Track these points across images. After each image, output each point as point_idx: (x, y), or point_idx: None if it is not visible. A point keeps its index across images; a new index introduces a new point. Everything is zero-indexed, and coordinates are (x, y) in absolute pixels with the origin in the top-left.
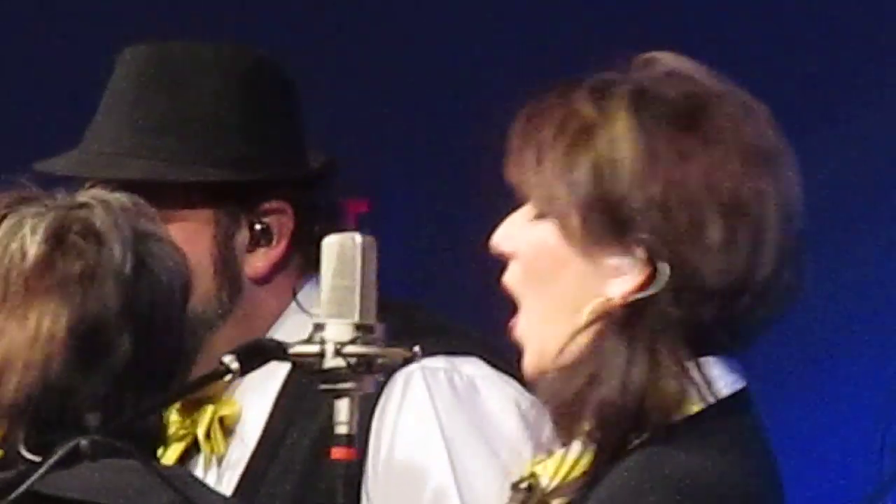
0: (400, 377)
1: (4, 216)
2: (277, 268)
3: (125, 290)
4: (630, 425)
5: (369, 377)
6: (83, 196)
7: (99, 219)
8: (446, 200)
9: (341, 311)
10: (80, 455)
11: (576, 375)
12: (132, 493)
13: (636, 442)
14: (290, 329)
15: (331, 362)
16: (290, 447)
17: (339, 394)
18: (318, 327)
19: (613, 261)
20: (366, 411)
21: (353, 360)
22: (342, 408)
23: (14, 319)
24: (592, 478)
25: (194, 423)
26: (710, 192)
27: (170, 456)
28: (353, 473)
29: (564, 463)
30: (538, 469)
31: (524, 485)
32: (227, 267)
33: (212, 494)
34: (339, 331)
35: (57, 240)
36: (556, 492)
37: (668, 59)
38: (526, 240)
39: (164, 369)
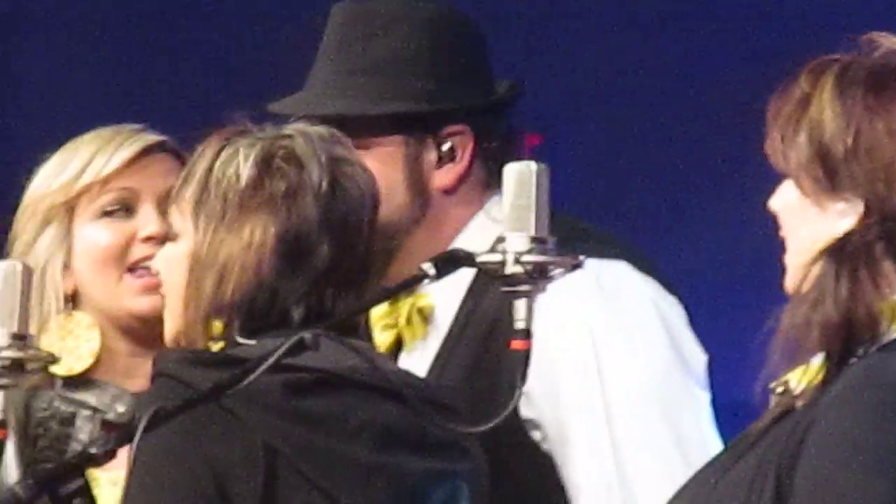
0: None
1: (223, 147)
2: (462, 181)
3: (322, 205)
4: (849, 340)
5: (543, 281)
6: (287, 129)
7: (299, 146)
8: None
9: (520, 225)
10: (304, 346)
11: (804, 302)
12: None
13: (860, 352)
14: (475, 235)
15: (511, 269)
16: (471, 336)
17: (518, 295)
18: (500, 239)
19: (837, 206)
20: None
21: (529, 267)
22: (520, 307)
23: (231, 231)
24: (824, 383)
25: (397, 313)
26: (892, 139)
27: (380, 344)
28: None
29: (808, 372)
30: (790, 377)
31: (780, 389)
32: (416, 182)
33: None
34: (517, 242)
35: (265, 164)
36: (801, 395)
37: (883, 39)
38: (782, 200)
39: (358, 270)
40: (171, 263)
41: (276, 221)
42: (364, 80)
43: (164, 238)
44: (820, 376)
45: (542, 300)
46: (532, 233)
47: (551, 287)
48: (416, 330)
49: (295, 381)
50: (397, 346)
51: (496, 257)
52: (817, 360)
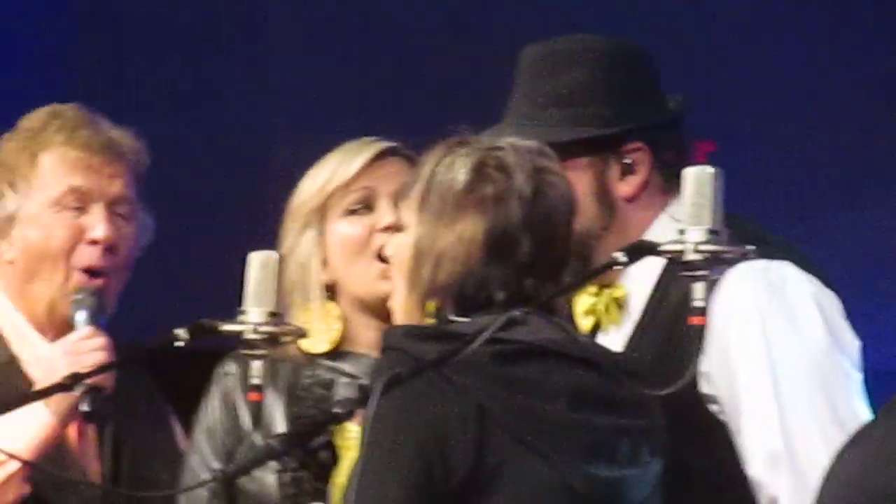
0: (734, 269)
1: (445, 154)
2: (642, 189)
3: (525, 208)
4: None
5: (717, 267)
6: (500, 141)
7: (509, 157)
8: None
9: (698, 220)
10: (514, 322)
11: None
12: (564, 339)
13: None
14: (659, 234)
15: (690, 256)
16: (658, 323)
17: (696, 278)
18: (681, 232)
19: None
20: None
21: (705, 255)
22: (698, 289)
23: (447, 226)
24: None
25: (597, 302)
26: None
27: (582, 329)
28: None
29: None
30: None
31: None
32: (603, 194)
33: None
34: (696, 234)
35: (478, 171)
36: None
37: None
38: None
39: (557, 263)
40: (400, 250)
41: (484, 220)
42: (554, 111)
43: (399, 228)
44: None
45: (720, 296)
46: (708, 226)
47: (728, 284)
48: (612, 316)
49: (501, 351)
50: (595, 330)
51: (678, 246)
52: None
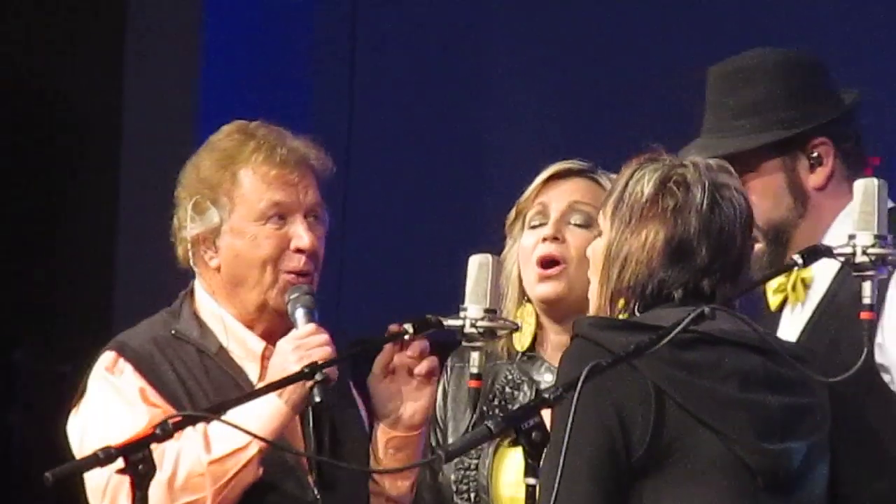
0: None
1: (637, 169)
2: (830, 178)
3: (702, 219)
4: None
5: (884, 267)
6: (686, 159)
7: (690, 173)
8: None
9: (866, 226)
10: (704, 316)
11: None
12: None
13: None
14: (847, 221)
15: (860, 258)
16: (834, 310)
17: (865, 278)
18: (851, 236)
19: None
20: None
21: (873, 258)
22: (867, 287)
23: (633, 234)
24: None
25: (787, 281)
26: None
27: (772, 303)
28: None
29: None
30: None
31: None
32: (796, 187)
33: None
34: (865, 238)
35: (661, 185)
36: None
37: None
38: None
39: (732, 267)
40: (596, 252)
41: (665, 229)
42: (742, 121)
43: (562, 237)
44: None
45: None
46: (875, 231)
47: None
48: (798, 294)
49: (680, 339)
50: (783, 305)
51: (848, 249)
52: None
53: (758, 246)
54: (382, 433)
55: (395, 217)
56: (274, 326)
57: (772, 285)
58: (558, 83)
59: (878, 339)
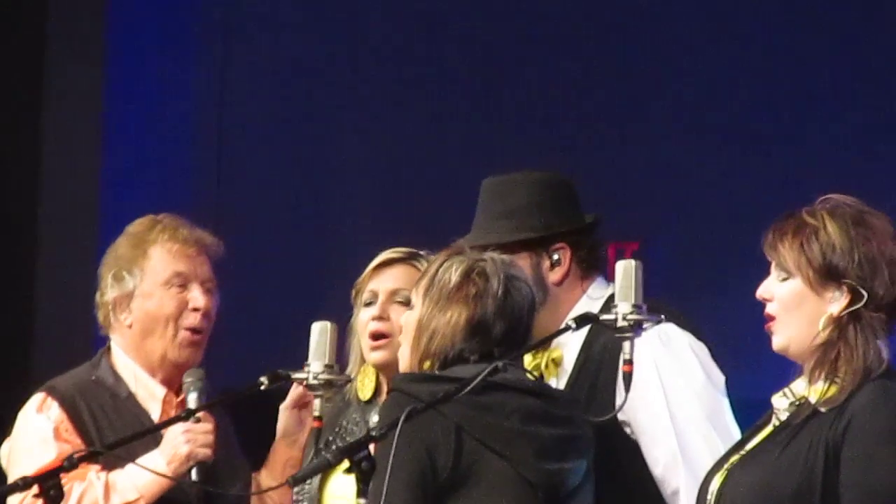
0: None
1: (446, 259)
2: (565, 277)
3: (498, 304)
4: (866, 373)
5: (639, 330)
6: (485, 255)
7: (489, 266)
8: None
9: (625, 297)
10: (498, 370)
11: (829, 350)
12: (530, 382)
13: (867, 383)
14: (581, 310)
15: (621, 323)
16: (585, 375)
17: (625, 338)
18: (614, 305)
19: (830, 294)
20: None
21: (631, 322)
22: (627, 345)
23: (441, 312)
24: (846, 400)
25: (539, 361)
26: (881, 255)
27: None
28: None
29: (820, 390)
30: (804, 392)
31: (797, 401)
32: (539, 281)
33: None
34: (624, 307)
35: (466, 275)
36: (822, 404)
37: (839, 197)
38: (782, 289)
39: (518, 341)
40: (409, 323)
41: (467, 311)
42: (503, 222)
43: (387, 316)
44: (831, 392)
45: (646, 347)
46: (633, 301)
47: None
48: (551, 371)
49: (473, 387)
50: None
51: (612, 316)
52: (820, 384)
53: None
54: (282, 453)
55: (258, 286)
56: (172, 376)
57: (528, 364)
58: (394, 179)
59: (618, 401)
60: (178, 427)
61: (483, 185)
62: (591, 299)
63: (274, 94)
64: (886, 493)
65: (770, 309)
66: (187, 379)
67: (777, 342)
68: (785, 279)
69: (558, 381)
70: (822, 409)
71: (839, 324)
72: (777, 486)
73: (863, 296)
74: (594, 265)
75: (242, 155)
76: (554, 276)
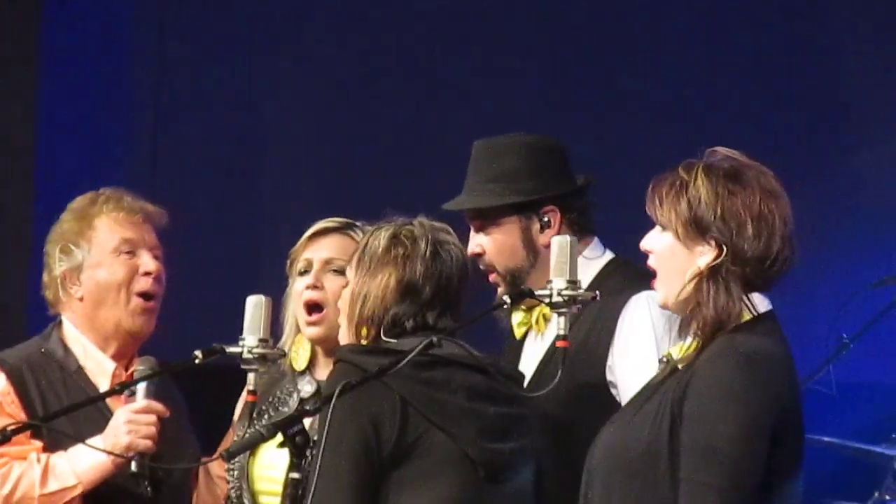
0: (635, 298)
1: (375, 230)
2: None
3: (426, 265)
4: (716, 327)
5: (574, 305)
6: (414, 220)
7: (416, 230)
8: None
9: (560, 273)
10: (433, 344)
11: (690, 304)
12: (464, 354)
13: (720, 335)
14: (579, 272)
15: (556, 298)
16: (578, 328)
17: (560, 314)
18: (549, 281)
19: (699, 248)
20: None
21: (566, 297)
22: (562, 320)
23: (371, 277)
24: (697, 354)
25: (531, 316)
26: (747, 211)
27: (517, 334)
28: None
29: (683, 347)
30: (672, 350)
31: (664, 359)
32: (529, 243)
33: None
34: (559, 283)
35: (394, 238)
36: (681, 361)
37: (724, 151)
38: (658, 242)
39: (452, 303)
40: (344, 299)
41: (396, 272)
42: (492, 185)
43: (321, 285)
44: (692, 349)
45: (627, 313)
46: (567, 277)
47: (631, 307)
48: (540, 327)
49: (419, 362)
50: (525, 336)
51: (547, 291)
52: (688, 340)
53: (500, 289)
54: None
55: (195, 261)
56: (125, 349)
57: (517, 319)
58: (331, 151)
59: (609, 362)
60: (122, 416)
61: (474, 146)
62: (587, 260)
63: (208, 71)
64: (722, 450)
65: (650, 261)
66: (139, 367)
67: (658, 297)
68: (662, 233)
69: (544, 338)
70: (679, 367)
71: (700, 278)
72: (629, 446)
73: (726, 250)
74: (587, 227)
75: (177, 131)
76: (544, 238)
